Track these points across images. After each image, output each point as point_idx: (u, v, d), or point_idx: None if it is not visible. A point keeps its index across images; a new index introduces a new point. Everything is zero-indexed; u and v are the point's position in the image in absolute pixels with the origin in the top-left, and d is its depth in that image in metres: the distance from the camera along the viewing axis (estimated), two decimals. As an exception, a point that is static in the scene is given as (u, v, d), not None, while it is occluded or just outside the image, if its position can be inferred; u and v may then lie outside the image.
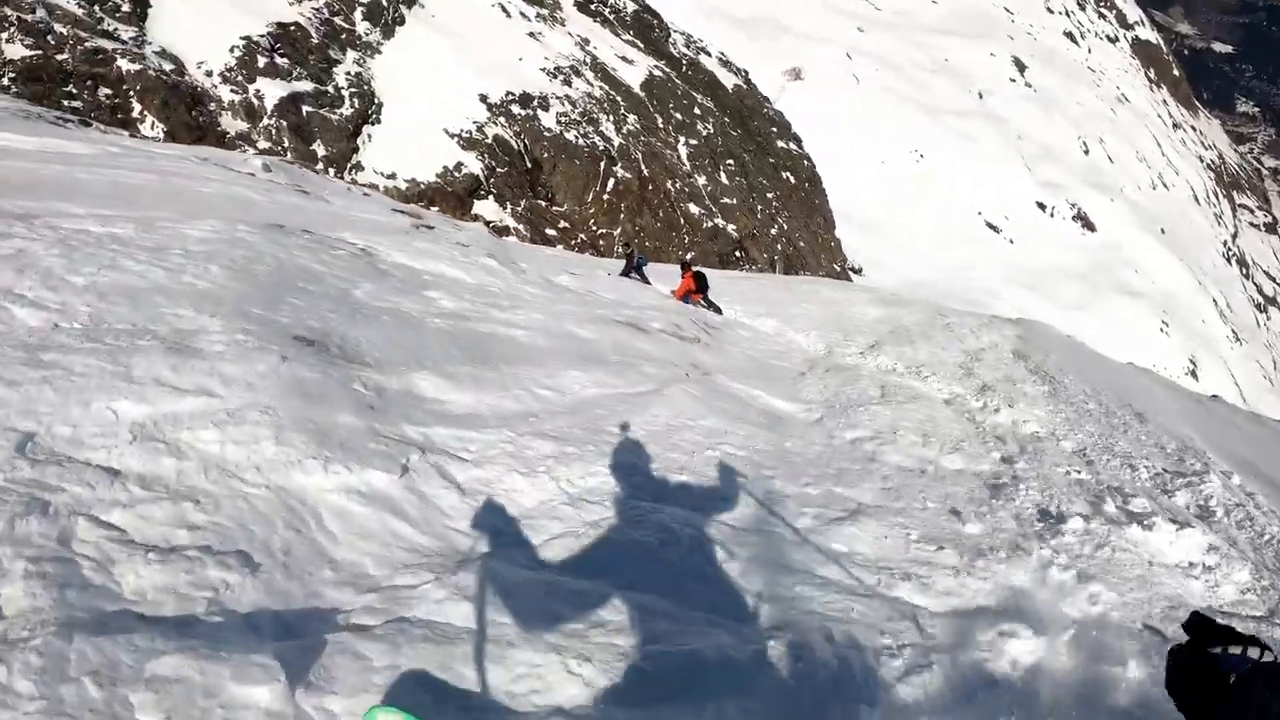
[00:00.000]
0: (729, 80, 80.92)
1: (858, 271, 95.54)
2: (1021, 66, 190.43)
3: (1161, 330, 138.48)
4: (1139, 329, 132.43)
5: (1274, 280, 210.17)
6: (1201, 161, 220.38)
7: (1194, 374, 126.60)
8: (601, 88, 60.07)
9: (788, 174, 77.10)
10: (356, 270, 10.97)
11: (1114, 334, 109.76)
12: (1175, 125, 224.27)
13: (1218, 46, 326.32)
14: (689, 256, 52.22)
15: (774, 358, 16.95)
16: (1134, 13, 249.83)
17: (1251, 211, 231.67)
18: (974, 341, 22.99)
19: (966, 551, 7.38)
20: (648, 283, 25.44)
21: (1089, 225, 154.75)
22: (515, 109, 52.95)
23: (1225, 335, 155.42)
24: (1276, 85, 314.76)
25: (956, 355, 20.43)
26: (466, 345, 9.50)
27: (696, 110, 68.35)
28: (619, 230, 51.96)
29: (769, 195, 69.99)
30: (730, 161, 66.64)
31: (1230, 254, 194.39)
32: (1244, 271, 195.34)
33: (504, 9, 61.20)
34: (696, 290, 23.00)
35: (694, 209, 59.24)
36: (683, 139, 63.92)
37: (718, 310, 22.68)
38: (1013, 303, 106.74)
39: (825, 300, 28.51)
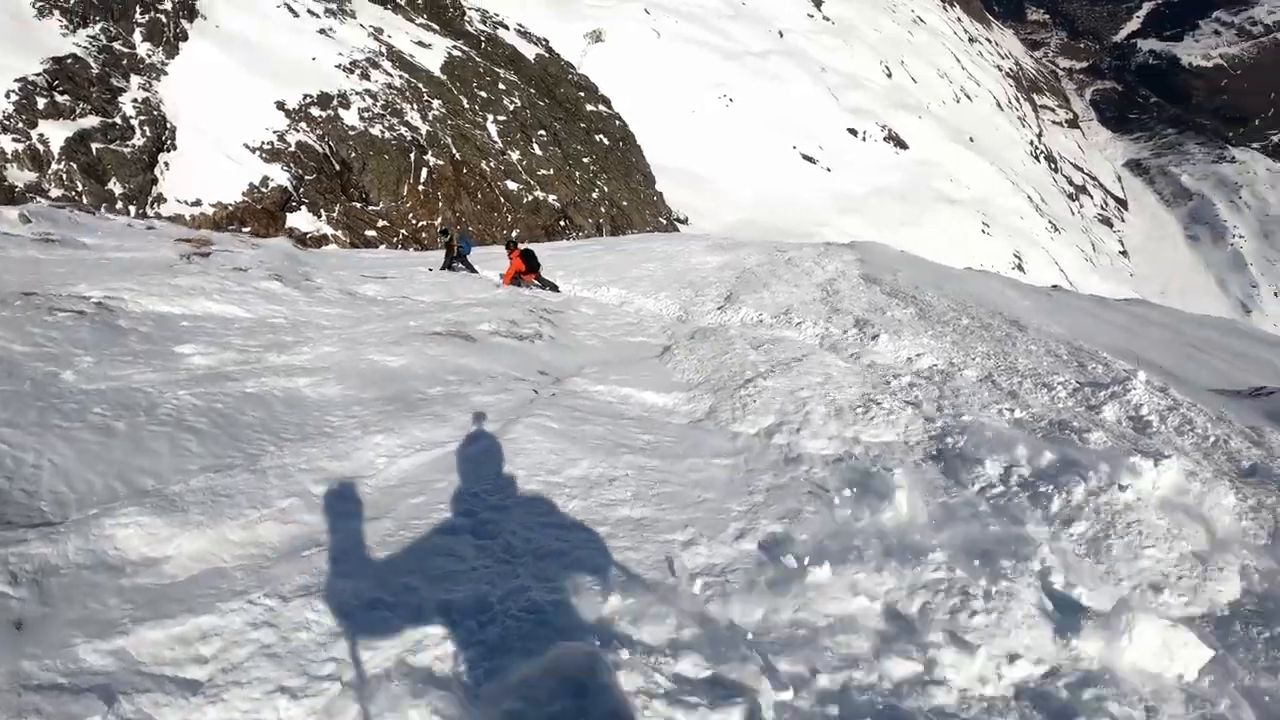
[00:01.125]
0: (530, 51, 79.56)
1: (684, 221, 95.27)
2: (817, 1, 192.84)
3: (984, 232, 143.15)
4: (963, 234, 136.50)
5: (1081, 170, 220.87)
6: (1000, 71, 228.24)
7: (1020, 267, 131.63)
8: (401, 76, 58.15)
9: (601, 136, 76.32)
10: (78, 338, 8.55)
11: (941, 242, 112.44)
12: (971, 40, 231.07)
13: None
14: (514, 234, 51.20)
15: (629, 333, 15.78)
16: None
17: (1053, 110, 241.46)
18: (821, 273, 23.10)
19: (974, 595, 5.51)
20: (474, 271, 24.13)
21: (901, 144, 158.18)
22: (315, 111, 50.73)
23: (1044, 227, 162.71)
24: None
25: (813, 291, 20.28)
26: (217, 429, 6.95)
27: (501, 86, 66.89)
28: (439, 219, 50.33)
29: (585, 160, 69.04)
30: (541, 132, 65.42)
31: (1038, 152, 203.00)
32: (1053, 166, 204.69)
33: (290, 8, 58.60)
34: (528, 270, 21.66)
35: (512, 185, 57.91)
36: (491, 116, 62.44)
37: (554, 288, 21.57)
38: (840, 228, 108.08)
39: (662, 256, 28.05)
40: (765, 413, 9.78)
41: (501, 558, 5.37)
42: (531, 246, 27.34)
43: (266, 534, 5.48)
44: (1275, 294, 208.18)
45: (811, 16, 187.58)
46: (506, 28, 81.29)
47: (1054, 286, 37.10)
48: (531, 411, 8.58)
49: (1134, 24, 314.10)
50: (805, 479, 7.58)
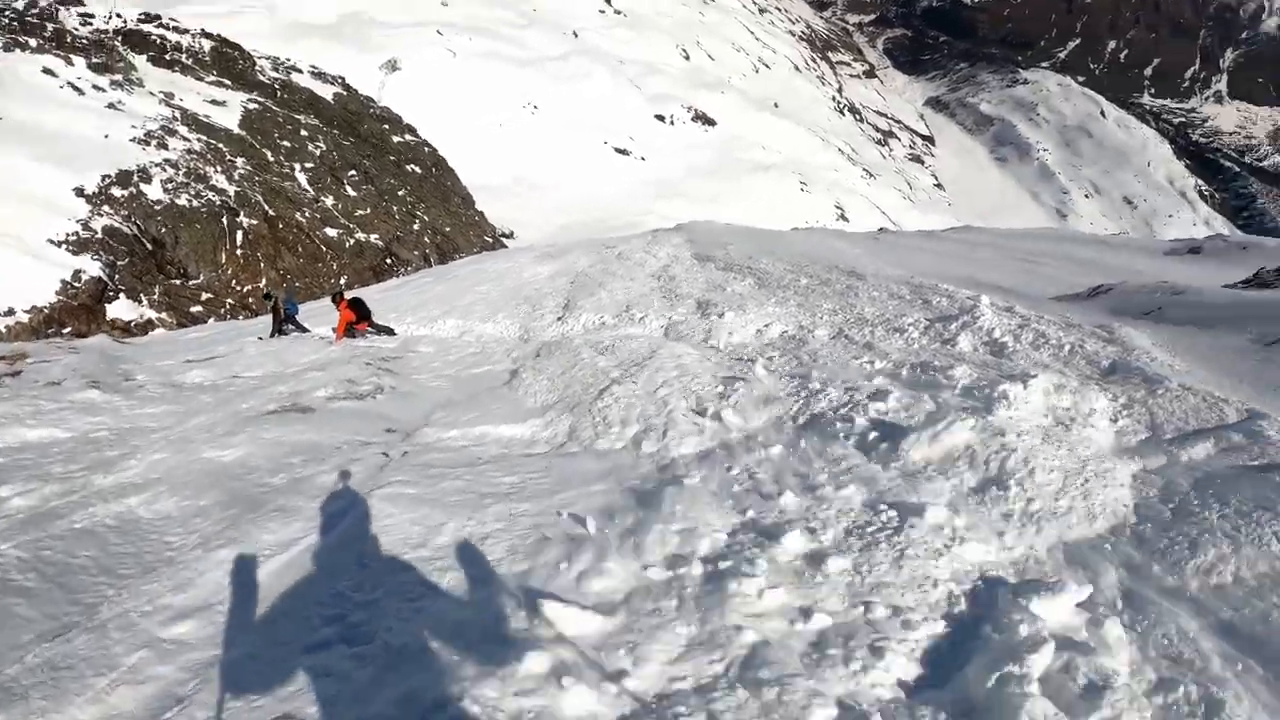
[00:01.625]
0: (327, 91, 78.13)
1: (510, 236, 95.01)
2: None
3: (803, 190, 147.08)
4: (783, 197, 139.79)
5: (885, 116, 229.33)
6: (794, 35, 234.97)
7: (844, 217, 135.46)
8: (200, 139, 56.28)
9: (413, 166, 75.49)
10: (-114, 507, 7.47)
11: (763, 209, 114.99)
12: (761, 10, 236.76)
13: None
14: (343, 281, 50.33)
15: (473, 365, 15.39)
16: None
17: (850, 65, 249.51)
18: (654, 261, 23.39)
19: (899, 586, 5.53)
20: (306, 330, 23.41)
21: (709, 121, 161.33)
22: (117, 192, 48.56)
23: (859, 176, 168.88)
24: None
25: (648, 282, 20.51)
26: (48, 583, 6.12)
27: (303, 132, 65.56)
28: (263, 281, 48.95)
29: (400, 193, 68.17)
30: (352, 172, 64.35)
31: (841, 106, 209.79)
32: (858, 117, 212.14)
33: (74, 87, 56.03)
34: (359, 319, 20.85)
35: (331, 232, 56.69)
36: (298, 165, 61.12)
37: (389, 332, 20.90)
38: (663, 214, 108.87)
39: (494, 275, 27.94)
40: (628, 422, 9.59)
41: (385, 663, 4.91)
42: (360, 292, 26.73)
43: (120, 702, 4.89)
44: (1086, 196, 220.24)
45: (603, 12, 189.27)
46: (300, 71, 79.64)
47: (880, 230, 38.63)
48: (385, 480, 8.06)
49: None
50: (692, 490, 7.29)
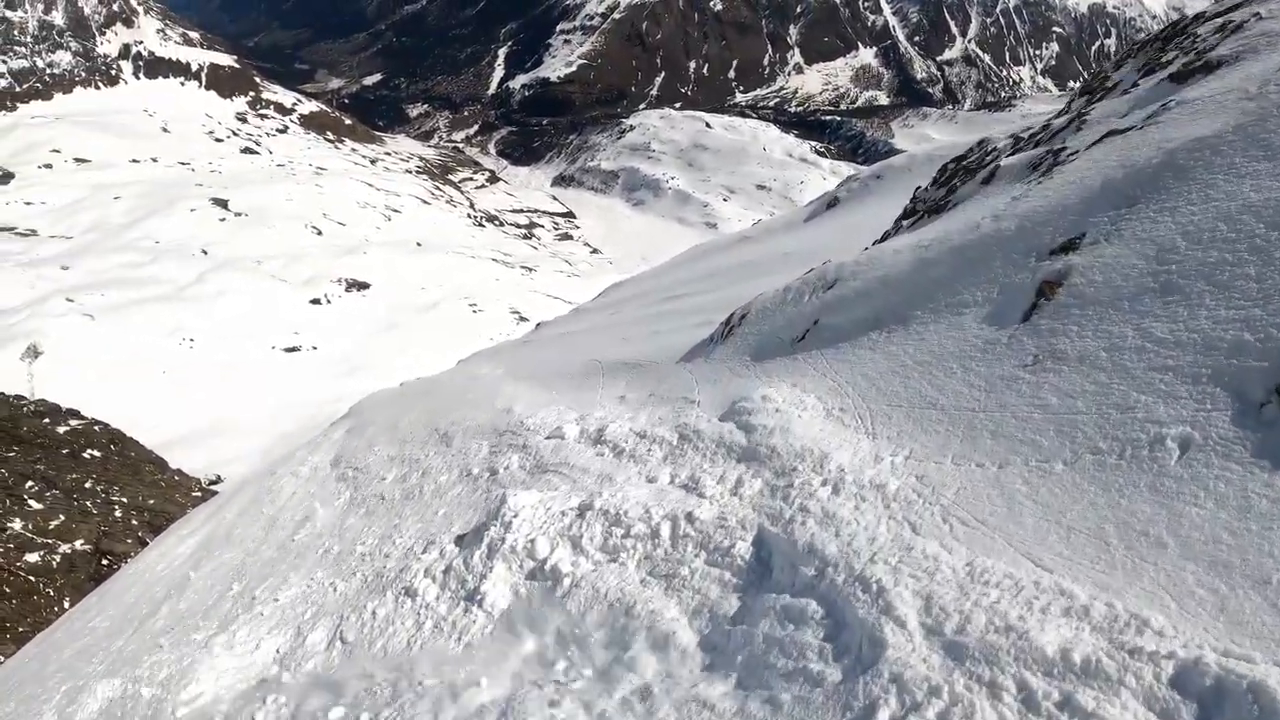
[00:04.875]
0: (-22, 421, 76.42)
1: (218, 481, 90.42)
2: (222, 202, 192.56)
3: (475, 311, 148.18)
4: (460, 325, 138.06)
5: (521, 212, 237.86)
6: (411, 173, 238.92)
7: (523, 318, 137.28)
8: None
9: (91, 451, 67.00)
10: None
11: (445, 344, 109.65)
12: (373, 161, 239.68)
13: (367, 81, 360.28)
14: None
15: None
16: (290, 97, 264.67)
17: (472, 179, 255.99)
18: (285, 489, 15.41)
19: None
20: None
21: (362, 286, 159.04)
22: None
23: (520, 275, 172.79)
24: (416, 83, 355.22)
25: (233, 554, 13.02)
26: None
27: (-31, 472, 64.36)
28: (-15, 631, 48.53)
29: (88, 484, 62.20)
30: (29, 483, 59.26)
31: (479, 219, 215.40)
32: (497, 223, 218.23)
33: None
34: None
35: (33, 557, 51.16)
36: (-23, 508, 60.20)
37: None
38: (351, 394, 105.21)
39: (136, 577, 14.48)
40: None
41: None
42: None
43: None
44: (724, 200, 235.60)
45: (224, 220, 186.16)
46: (-70, 392, 76.96)
47: (538, 325, 38.68)
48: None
49: (499, 72, 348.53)
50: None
